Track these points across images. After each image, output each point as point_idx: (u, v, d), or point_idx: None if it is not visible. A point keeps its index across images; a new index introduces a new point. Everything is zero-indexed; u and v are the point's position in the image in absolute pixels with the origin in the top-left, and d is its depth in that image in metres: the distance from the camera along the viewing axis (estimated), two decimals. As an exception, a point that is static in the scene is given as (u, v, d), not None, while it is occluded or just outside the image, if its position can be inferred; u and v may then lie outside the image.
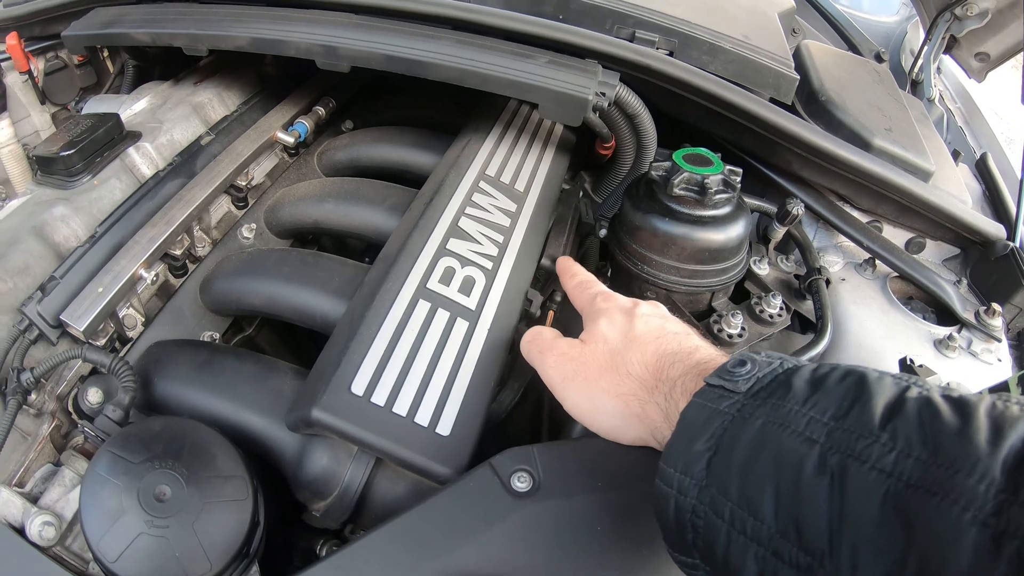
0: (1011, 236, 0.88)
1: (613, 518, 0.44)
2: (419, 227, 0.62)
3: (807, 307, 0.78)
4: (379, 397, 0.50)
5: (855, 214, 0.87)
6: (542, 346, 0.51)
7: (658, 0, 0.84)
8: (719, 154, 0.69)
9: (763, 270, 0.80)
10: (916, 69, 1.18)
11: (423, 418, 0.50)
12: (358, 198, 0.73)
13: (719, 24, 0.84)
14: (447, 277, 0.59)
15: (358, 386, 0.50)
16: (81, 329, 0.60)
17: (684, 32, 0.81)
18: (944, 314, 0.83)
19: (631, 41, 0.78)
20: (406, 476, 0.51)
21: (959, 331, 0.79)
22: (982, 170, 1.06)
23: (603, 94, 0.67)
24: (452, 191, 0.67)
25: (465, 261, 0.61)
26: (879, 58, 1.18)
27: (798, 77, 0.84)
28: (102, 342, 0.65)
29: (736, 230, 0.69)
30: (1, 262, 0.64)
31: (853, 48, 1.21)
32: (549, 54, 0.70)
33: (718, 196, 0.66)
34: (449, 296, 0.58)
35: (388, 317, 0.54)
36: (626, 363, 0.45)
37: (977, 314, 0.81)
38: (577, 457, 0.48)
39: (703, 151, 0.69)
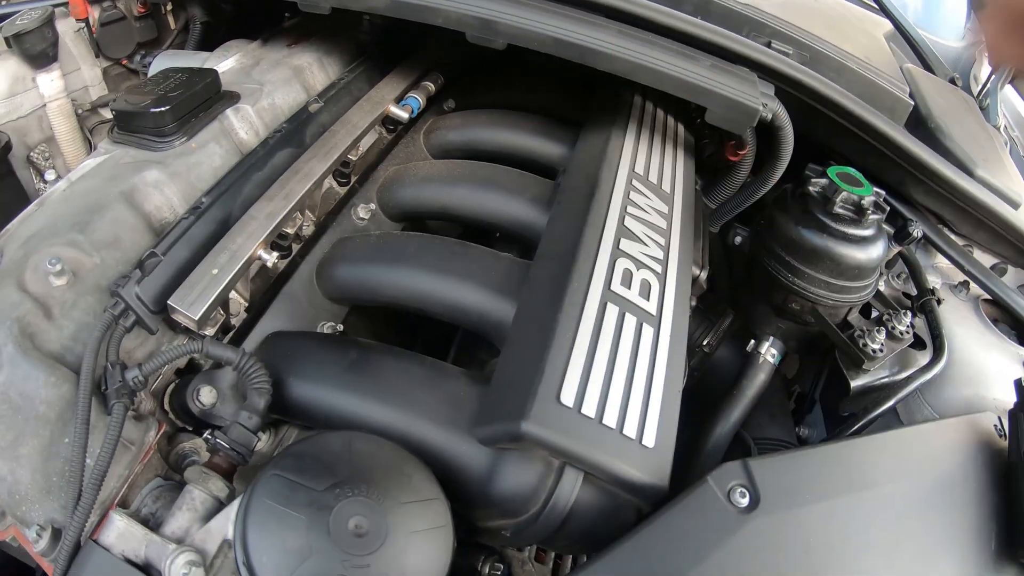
0: (1081, 263, 0.92)
1: (834, 527, 0.45)
2: (589, 223, 0.57)
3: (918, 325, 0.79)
4: (588, 408, 0.44)
5: (953, 238, 0.89)
6: None
7: (784, 11, 0.83)
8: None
9: (883, 288, 0.80)
10: (982, 97, 1.22)
11: (630, 430, 0.45)
12: (496, 185, 0.67)
13: (842, 42, 0.84)
14: (627, 279, 0.54)
15: (567, 397, 0.44)
16: (196, 317, 0.51)
17: (815, 47, 0.80)
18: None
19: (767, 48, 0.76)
20: (604, 490, 0.46)
21: (1045, 353, 0.82)
22: (1046, 198, 1.11)
23: (765, 104, 0.65)
24: (610, 188, 0.62)
25: (639, 263, 0.57)
26: (953, 82, 1.21)
27: (912, 103, 0.85)
28: (212, 331, 0.55)
29: (879, 250, 0.69)
30: (84, 232, 0.54)
31: (930, 71, 1.23)
32: (711, 57, 0.67)
33: (873, 216, 0.65)
34: (632, 299, 0.53)
35: (582, 320, 0.49)
36: None
37: (1055, 336, 0.84)
38: (791, 468, 0.47)
39: (851, 171, 0.68)
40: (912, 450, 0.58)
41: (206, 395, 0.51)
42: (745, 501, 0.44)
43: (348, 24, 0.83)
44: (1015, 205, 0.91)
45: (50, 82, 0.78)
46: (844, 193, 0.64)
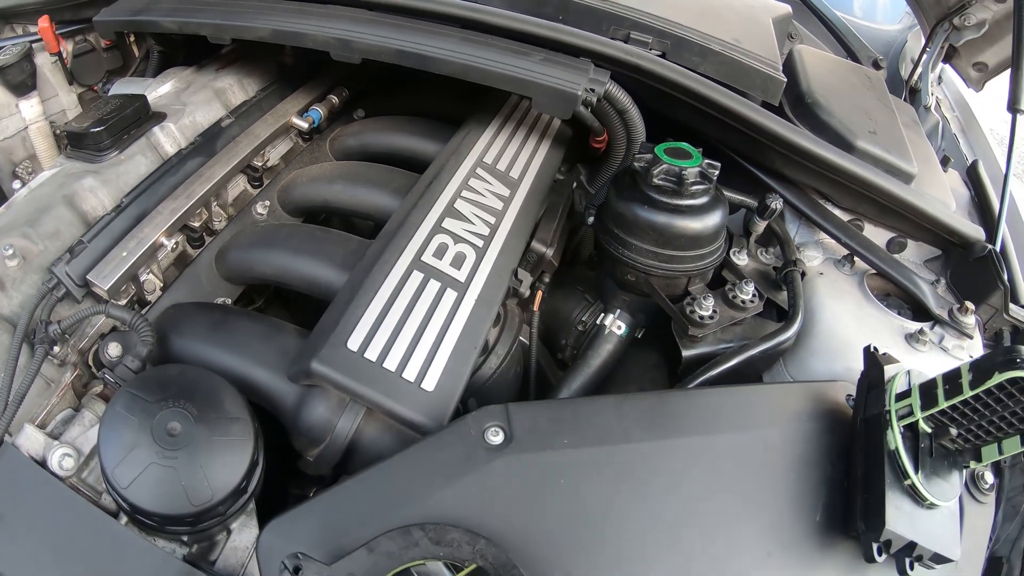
0: (991, 239, 0.91)
1: (578, 474, 0.48)
2: (418, 206, 0.67)
3: (784, 297, 0.82)
4: (372, 353, 0.55)
5: (837, 212, 0.90)
6: None
7: (655, 4, 0.89)
8: (700, 149, 0.73)
9: (742, 260, 0.84)
10: (915, 77, 1.21)
11: (410, 374, 0.55)
12: (365, 180, 0.78)
13: (712, 28, 0.88)
14: (440, 252, 0.64)
15: (354, 343, 0.55)
16: (106, 288, 0.66)
17: (676, 34, 0.86)
18: (919, 311, 0.86)
19: (625, 42, 0.83)
20: (392, 427, 0.56)
21: (932, 327, 0.82)
22: (972, 176, 1.09)
23: (592, 90, 0.72)
24: (450, 175, 0.72)
25: (458, 238, 0.66)
26: (876, 65, 1.21)
27: (785, 79, 0.88)
28: (123, 303, 0.70)
29: (712, 219, 0.73)
30: (34, 227, 0.70)
31: (852, 55, 1.24)
32: (545, 52, 0.75)
33: (695, 187, 0.70)
34: (441, 269, 0.63)
35: (384, 284, 0.59)
36: None
37: (951, 312, 0.84)
38: (550, 416, 0.52)
39: (684, 145, 0.73)
40: (735, 409, 0.58)
41: (113, 349, 0.66)
42: (498, 439, 0.48)
43: (271, 49, 0.98)
44: (907, 178, 0.91)
45: (30, 108, 0.97)
46: (664, 166, 0.70)
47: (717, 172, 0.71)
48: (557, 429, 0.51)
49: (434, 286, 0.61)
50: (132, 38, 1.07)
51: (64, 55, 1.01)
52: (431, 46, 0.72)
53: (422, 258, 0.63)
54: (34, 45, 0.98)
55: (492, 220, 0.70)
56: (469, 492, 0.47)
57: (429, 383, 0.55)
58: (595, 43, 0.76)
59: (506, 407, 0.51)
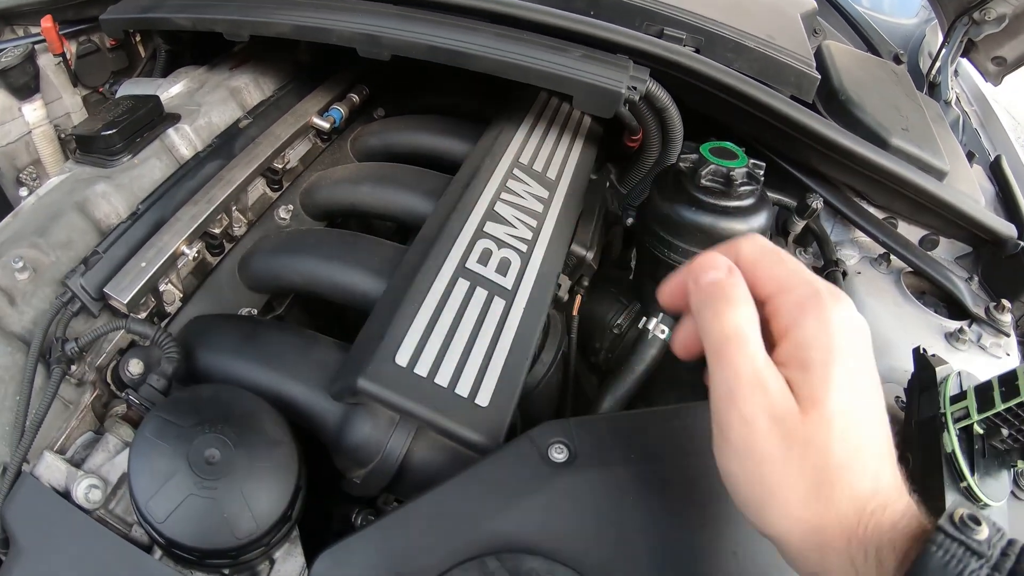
0: (1022, 235, 0.90)
1: (646, 489, 0.46)
2: (457, 210, 0.64)
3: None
4: (422, 368, 0.51)
5: (871, 210, 0.89)
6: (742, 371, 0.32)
7: (686, -1, 0.87)
8: (743, 148, 0.71)
9: (783, 262, 0.82)
10: (934, 71, 1.20)
11: (463, 389, 0.51)
12: (394, 182, 0.75)
13: (744, 23, 0.86)
14: (484, 258, 0.61)
15: (402, 358, 0.51)
16: (124, 302, 0.62)
17: (710, 30, 0.83)
18: (955, 309, 0.86)
19: (660, 38, 0.80)
20: (445, 447, 0.53)
21: (969, 325, 0.82)
22: (996, 171, 1.08)
23: (634, 88, 0.70)
24: (488, 177, 0.69)
25: (501, 243, 0.63)
26: (897, 59, 1.20)
27: (819, 76, 0.86)
28: (143, 316, 0.66)
29: (758, 221, 0.71)
30: (44, 236, 0.66)
31: (872, 49, 1.23)
32: (583, 48, 0.72)
33: (742, 188, 0.68)
34: (487, 276, 0.60)
35: (430, 294, 0.56)
36: (840, 484, 0.30)
37: (987, 309, 0.83)
38: (612, 430, 0.49)
39: (728, 145, 0.71)
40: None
41: (134, 366, 0.62)
42: (562, 457, 0.46)
43: (287, 46, 0.94)
44: (939, 175, 0.90)
45: (33, 111, 0.92)
46: (712, 166, 0.67)
47: (763, 173, 0.68)
48: (622, 442, 0.48)
49: (481, 294, 0.58)
50: (138, 37, 1.02)
51: (68, 56, 0.96)
52: (465, 41, 0.68)
53: (466, 264, 0.59)
54: (36, 47, 0.93)
55: (534, 223, 0.67)
56: (536, 513, 0.44)
57: (483, 398, 0.51)
58: (633, 39, 0.73)
59: (568, 422, 0.48)
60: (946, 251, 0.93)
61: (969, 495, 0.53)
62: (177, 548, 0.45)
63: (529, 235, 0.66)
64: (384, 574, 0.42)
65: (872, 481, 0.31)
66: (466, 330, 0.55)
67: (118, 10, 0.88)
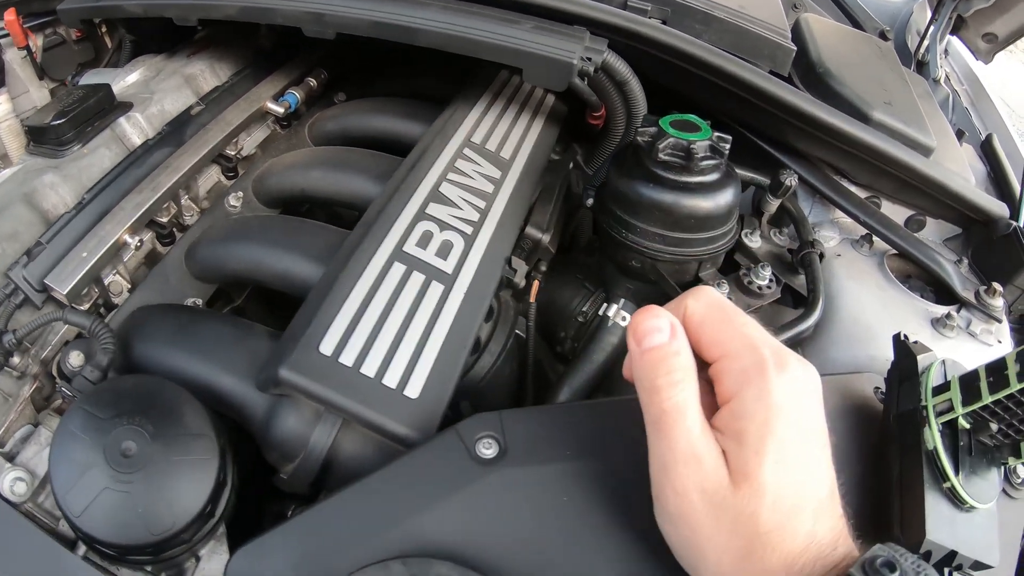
0: (1014, 215, 0.85)
1: (580, 487, 0.43)
2: (400, 191, 0.62)
3: (800, 282, 0.76)
4: (347, 358, 0.49)
5: (853, 189, 0.84)
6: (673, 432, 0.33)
7: (653, -31, 0.82)
8: (709, 122, 0.67)
9: (755, 243, 0.78)
10: (922, 50, 1.14)
11: (392, 380, 0.49)
12: (345, 166, 0.72)
13: (715, -7, 0.81)
14: (424, 240, 0.59)
15: (327, 346, 0.49)
16: (64, 293, 0.61)
17: (678, 1, 0.79)
18: (943, 293, 0.81)
19: (623, 9, 0.77)
20: (374, 441, 0.51)
21: (958, 311, 0.77)
22: (987, 151, 1.02)
23: (589, 59, 0.66)
24: (435, 157, 0.67)
25: (444, 225, 0.61)
26: (883, 36, 1.14)
27: (794, 48, 0.81)
28: (86, 307, 0.65)
29: (724, 198, 0.66)
30: (-10, 227, 0.65)
31: (857, 25, 1.18)
32: (535, 20, 0.69)
33: (705, 162, 0.64)
34: (425, 259, 0.57)
35: (361, 279, 0.54)
36: (769, 547, 0.31)
37: (977, 294, 0.78)
38: (546, 424, 0.46)
39: (691, 117, 0.67)
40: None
41: (74, 358, 0.61)
42: (490, 453, 0.43)
43: (246, 32, 0.92)
44: (926, 151, 0.85)
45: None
46: (671, 139, 0.63)
47: (728, 146, 0.64)
48: (558, 438, 0.45)
49: (418, 279, 0.56)
50: (104, 28, 1.01)
51: (33, 49, 0.95)
52: (411, 16, 0.66)
53: (404, 248, 0.57)
54: (1, 40, 0.93)
55: (482, 204, 0.64)
56: (459, 512, 0.41)
57: (413, 389, 0.49)
58: (590, 9, 0.70)
59: (499, 415, 0.45)
60: (933, 232, 0.88)
61: (952, 496, 0.48)
62: (97, 543, 0.44)
63: (476, 216, 0.63)
64: (297, 571, 0.40)
65: (805, 538, 0.32)
66: (399, 316, 0.53)
67: (75, 0, 0.87)
